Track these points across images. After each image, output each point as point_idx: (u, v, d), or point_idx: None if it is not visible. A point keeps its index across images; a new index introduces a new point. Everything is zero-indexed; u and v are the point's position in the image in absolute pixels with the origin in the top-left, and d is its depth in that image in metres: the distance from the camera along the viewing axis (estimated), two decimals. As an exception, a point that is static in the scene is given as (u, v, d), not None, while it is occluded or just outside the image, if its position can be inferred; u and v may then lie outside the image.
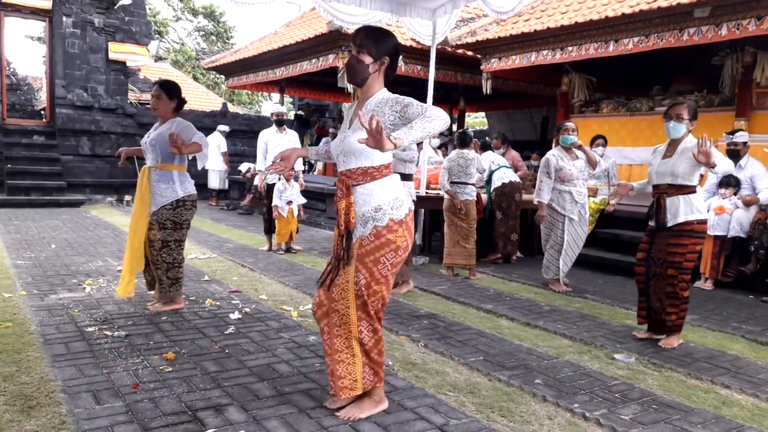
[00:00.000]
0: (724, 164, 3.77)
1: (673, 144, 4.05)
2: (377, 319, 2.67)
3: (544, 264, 5.89)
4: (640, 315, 4.27)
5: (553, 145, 5.99)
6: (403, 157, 5.32)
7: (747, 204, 5.93)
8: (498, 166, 7.24)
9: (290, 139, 7.27)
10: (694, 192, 3.97)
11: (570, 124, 5.72)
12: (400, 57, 2.79)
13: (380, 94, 2.67)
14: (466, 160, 6.11)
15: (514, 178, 7.27)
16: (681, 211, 3.94)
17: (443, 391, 3.09)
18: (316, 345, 3.74)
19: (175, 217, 4.23)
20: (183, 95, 4.38)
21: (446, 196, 6.18)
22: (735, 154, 6.09)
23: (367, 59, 2.62)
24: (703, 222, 4.01)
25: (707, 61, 7.47)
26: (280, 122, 7.32)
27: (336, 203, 2.69)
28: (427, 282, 5.87)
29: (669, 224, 3.98)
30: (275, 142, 7.15)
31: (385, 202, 2.61)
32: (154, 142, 4.23)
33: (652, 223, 4.14)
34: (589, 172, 7.11)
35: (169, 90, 4.28)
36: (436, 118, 2.38)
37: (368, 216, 2.61)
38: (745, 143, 6.11)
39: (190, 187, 4.33)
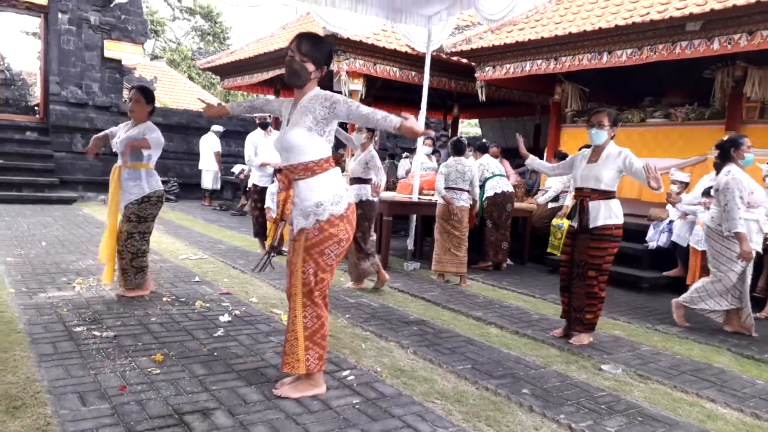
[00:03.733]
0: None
1: (597, 150, 4.27)
2: (323, 306, 2.93)
3: (699, 293, 4.91)
4: (563, 311, 4.45)
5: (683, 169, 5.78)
6: (371, 166, 5.56)
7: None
8: (492, 174, 7.24)
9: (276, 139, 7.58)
10: (614, 198, 4.20)
11: (747, 140, 4.83)
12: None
13: (312, 91, 2.93)
14: (463, 167, 6.14)
15: (508, 188, 7.27)
16: (601, 215, 4.14)
17: (431, 399, 3.10)
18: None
19: (139, 211, 4.55)
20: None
21: (441, 202, 6.19)
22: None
23: (311, 67, 2.87)
24: (620, 227, 4.20)
25: (699, 75, 7.55)
26: (264, 125, 7.64)
27: (278, 194, 2.94)
28: (418, 288, 5.89)
29: (590, 226, 4.16)
30: (262, 144, 7.47)
31: (326, 199, 2.84)
32: (123, 143, 4.53)
33: (574, 224, 4.31)
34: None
35: (147, 95, 4.65)
36: (369, 113, 2.79)
37: (310, 210, 2.84)
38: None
39: (155, 184, 4.62)
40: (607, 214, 4.14)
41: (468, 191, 6.20)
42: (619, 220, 4.18)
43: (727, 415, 3.18)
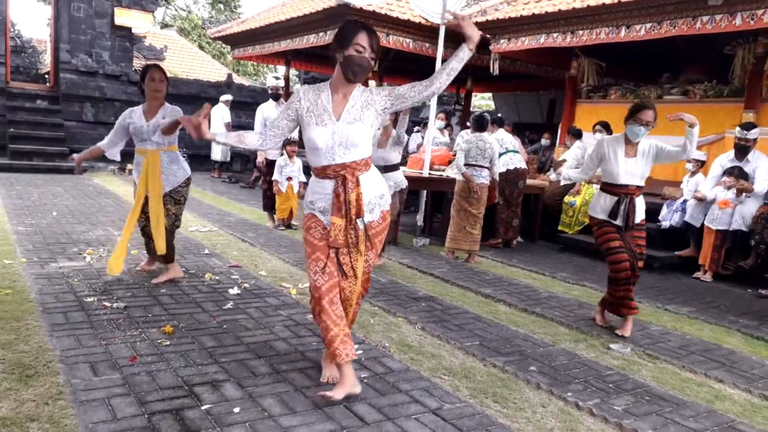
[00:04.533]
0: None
1: (632, 144, 4.06)
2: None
3: None
4: (631, 306, 4.11)
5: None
6: (400, 140, 5.46)
7: (740, 191, 5.89)
8: (505, 150, 7.10)
9: None
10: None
11: None
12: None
13: (358, 87, 2.81)
14: (484, 143, 6.08)
15: (521, 164, 7.13)
16: (639, 209, 4.19)
17: (438, 375, 3.11)
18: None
19: (186, 192, 4.50)
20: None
21: (460, 179, 6.13)
22: (744, 149, 6.03)
23: (373, 62, 2.76)
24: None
25: (719, 51, 7.37)
26: (276, 96, 7.54)
27: (340, 194, 2.70)
28: (427, 264, 5.88)
29: (636, 222, 4.16)
30: (273, 117, 7.21)
31: (385, 189, 2.89)
32: (156, 128, 4.27)
33: (618, 222, 4.09)
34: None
35: (165, 75, 4.44)
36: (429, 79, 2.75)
37: (374, 203, 2.80)
38: (755, 140, 6.04)
39: (186, 164, 4.56)
40: (641, 209, 4.23)
41: (488, 168, 6.13)
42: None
43: (734, 396, 3.17)
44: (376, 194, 2.81)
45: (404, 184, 5.69)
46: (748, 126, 6.03)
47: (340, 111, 2.73)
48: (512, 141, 7.30)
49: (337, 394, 2.63)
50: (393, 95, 2.76)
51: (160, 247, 4.27)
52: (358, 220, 2.74)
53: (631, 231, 4.13)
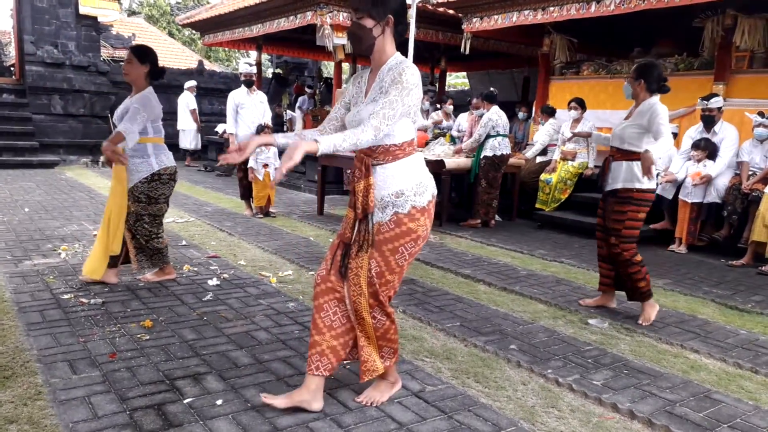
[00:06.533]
0: (661, 150, 3.73)
1: (635, 106, 3.96)
2: (388, 304, 2.52)
3: None
4: (600, 281, 4.19)
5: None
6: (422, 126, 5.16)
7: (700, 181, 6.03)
8: (496, 133, 6.96)
9: (261, 99, 7.49)
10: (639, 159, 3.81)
11: None
12: (409, 12, 2.55)
13: (394, 59, 2.40)
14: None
15: (507, 150, 7.04)
16: (621, 176, 3.85)
17: (420, 357, 3.14)
18: (295, 312, 3.76)
19: (150, 191, 4.04)
20: (160, 64, 4.16)
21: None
22: (710, 119, 6.14)
23: (369, 23, 2.34)
24: (645, 192, 3.84)
25: (688, 24, 7.43)
26: (249, 83, 7.43)
27: (352, 183, 2.47)
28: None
29: (608, 188, 3.93)
30: (245, 104, 7.24)
31: (408, 187, 2.39)
32: (122, 116, 3.97)
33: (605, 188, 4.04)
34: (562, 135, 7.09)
35: (141, 54, 4.02)
36: (365, 137, 2.24)
37: (388, 201, 2.40)
38: (719, 109, 6.13)
39: (166, 160, 4.10)
40: (629, 176, 3.82)
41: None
42: (644, 184, 3.81)
43: (710, 366, 3.24)
44: (392, 191, 2.39)
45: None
46: (708, 97, 6.13)
47: (368, 90, 2.47)
48: (505, 124, 7.10)
49: (279, 402, 2.46)
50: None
51: (112, 247, 4.02)
52: (369, 217, 2.42)
53: (613, 201, 3.91)
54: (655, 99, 3.85)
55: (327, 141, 2.19)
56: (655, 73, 3.85)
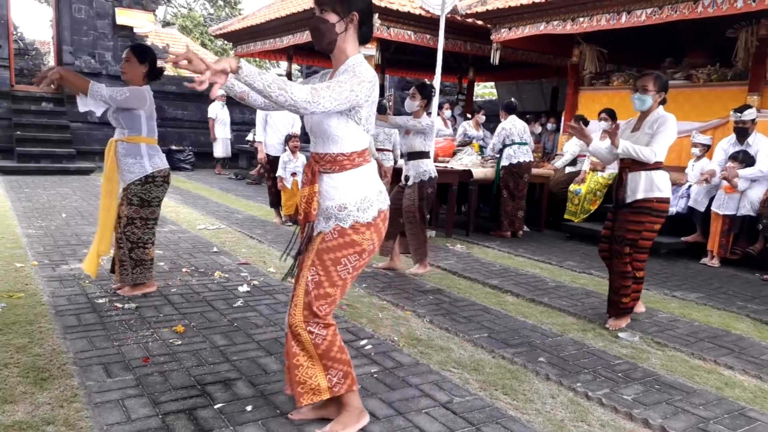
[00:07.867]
0: (630, 150, 3.78)
1: (642, 117, 3.98)
2: (328, 316, 2.35)
3: None
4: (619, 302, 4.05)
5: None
6: (420, 129, 5.03)
7: (727, 178, 5.92)
8: (511, 142, 6.94)
9: None
10: (658, 169, 3.85)
11: None
12: (375, 16, 2.29)
13: (353, 59, 2.27)
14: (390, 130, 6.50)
15: (526, 157, 7.00)
16: (641, 187, 3.84)
17: (447, 368, 3.14)
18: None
19: (143, 193, 3.94)
20: (159, 64, 4.08)
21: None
22: (743, 131, 6.03)
23: (332, 18, 2.23)
24: (664, 201, 3.86)
25: (721, 34, 7.32)
26: None
27: (301, 188, 2.40)
28: (433, 256, 5.89)
29: (628, 200, 3.89)
30: (275, 113, 7.33)
31: (351, 202, 2.28)
32: (116, 113, 3.89)
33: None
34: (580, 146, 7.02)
35: (140, 54, 3.93)
36: (298, 93, 2.00)
37: (331, 213, 2.30)
38: (753, 120, 6.02)
39: (160, 162, 4.01)
40: (648, 187, 3.82)
41: (391, 151, 6.65)
42: (663, 193, 3.83)
43: (744, 382, 3.18)
44: (336, 203, 2.28)
45: (425, 175, 5.08)
46: (741, 108, 6.03)
47: None
48: (521, 133, 7.05)
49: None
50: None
51: (100, 247, 3.95)
52: (308, 225, 2.36)
53: (628, 212, 3.88)
54: (663, 110, 3.92)
55: (254, 69, 1.98)
56: (668, 85, 3.97)
